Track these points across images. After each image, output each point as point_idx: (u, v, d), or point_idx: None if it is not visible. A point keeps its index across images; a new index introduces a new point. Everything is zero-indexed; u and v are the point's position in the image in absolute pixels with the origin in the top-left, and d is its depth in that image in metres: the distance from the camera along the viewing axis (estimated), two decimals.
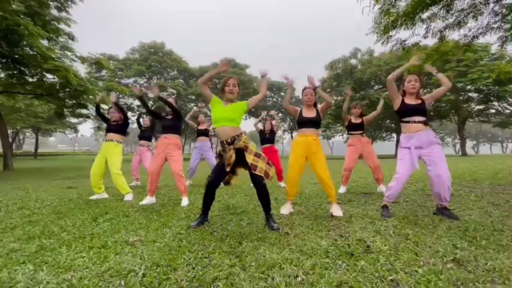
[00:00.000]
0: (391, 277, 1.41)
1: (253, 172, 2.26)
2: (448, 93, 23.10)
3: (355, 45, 38.30)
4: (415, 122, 2.61)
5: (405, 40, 6.24)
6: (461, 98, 23.83)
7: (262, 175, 2.26)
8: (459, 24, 5.69)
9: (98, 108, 4.32)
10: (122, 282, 1.40)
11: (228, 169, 2.32)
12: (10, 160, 11.16)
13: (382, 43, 6.19)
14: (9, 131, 19.06)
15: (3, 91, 11.44)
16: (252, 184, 2.55)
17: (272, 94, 37.44)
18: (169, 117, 3.67)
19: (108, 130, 3.99)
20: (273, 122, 5.33)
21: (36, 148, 30.95)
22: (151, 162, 3.72)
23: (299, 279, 1.41)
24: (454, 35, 6.08)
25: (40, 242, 2.02)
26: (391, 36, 6.04)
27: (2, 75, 11.38)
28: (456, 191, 3.93)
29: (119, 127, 4.04)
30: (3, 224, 2.58)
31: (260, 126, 5.33)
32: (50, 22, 10.23)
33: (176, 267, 1.56)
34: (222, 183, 2.49)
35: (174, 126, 3.64)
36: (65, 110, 13.00)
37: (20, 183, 6.26)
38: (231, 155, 2.27)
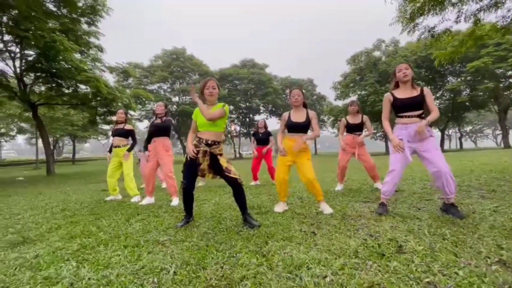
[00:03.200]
0: (427, 279, 1.33)
1: (228, 174, 2.39)
2: (485, 81, 21.32)
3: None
4: (408, 117, 2.52)
5: (434, 27, 5.85)
6: (501, 85, 21.83)
7: (237, 177, 2.41)
8: (495, 5, 5.22)
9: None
10: (156, 280, 1.47)
11: (200, 174, 2.45)
12: (52, 166, 12.19)
13: (408, 32, 5.86)
14: (50, 139, 20.75)
15: (44, 103, 12.53)
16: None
17: None
18: (157, 121, 3.85)
19: (114, 134, 4.22)
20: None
21: (74, 154, 33.42)
22: (146, 166, 3.92)
23: (328, 279, 1.38)
24: (491, 17, 5.60)
25: (81, 241, 2.18)
26: (417, 24, 5.70)
27: (43, 88, 12.49)
28: (500, 187, 3.61)
29: (124, 132, 4.22)
30: (49, 224, 2.82)
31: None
32: (82, 37, 11.04)
33: (205, 266, 1.60)
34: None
35: (161, 129, 3.80)
36: (97, 118, 13.95)
37: (61, 186, 6.81)
38: (205, 164, 2.40)
